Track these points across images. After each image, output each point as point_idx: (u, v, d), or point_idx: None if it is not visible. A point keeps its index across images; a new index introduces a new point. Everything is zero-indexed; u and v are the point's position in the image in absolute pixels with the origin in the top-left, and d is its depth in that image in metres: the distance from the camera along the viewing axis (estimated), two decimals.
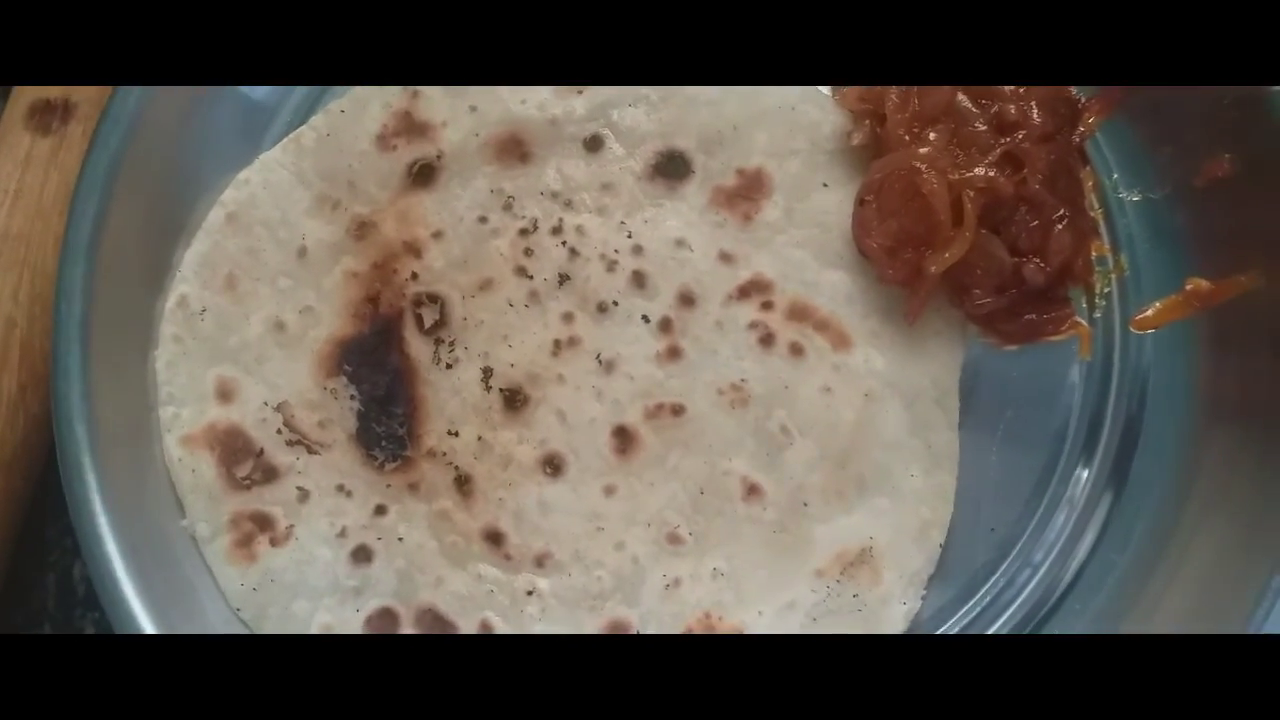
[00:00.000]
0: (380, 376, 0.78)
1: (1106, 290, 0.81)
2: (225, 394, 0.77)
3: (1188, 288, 0.79)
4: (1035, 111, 0.77)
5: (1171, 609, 0.73)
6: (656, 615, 0.75)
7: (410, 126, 0.81)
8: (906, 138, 0.77)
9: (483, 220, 0.80)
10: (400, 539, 0.76)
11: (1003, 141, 0.76)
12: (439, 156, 0.81)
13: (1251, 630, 0.69)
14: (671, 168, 0.81)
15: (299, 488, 0.76)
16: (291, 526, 0.76)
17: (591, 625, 0.75)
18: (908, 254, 0.76)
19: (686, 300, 0.79)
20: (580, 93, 0.81)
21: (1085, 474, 0.79)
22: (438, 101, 0.81)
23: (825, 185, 0.81)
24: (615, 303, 0.79)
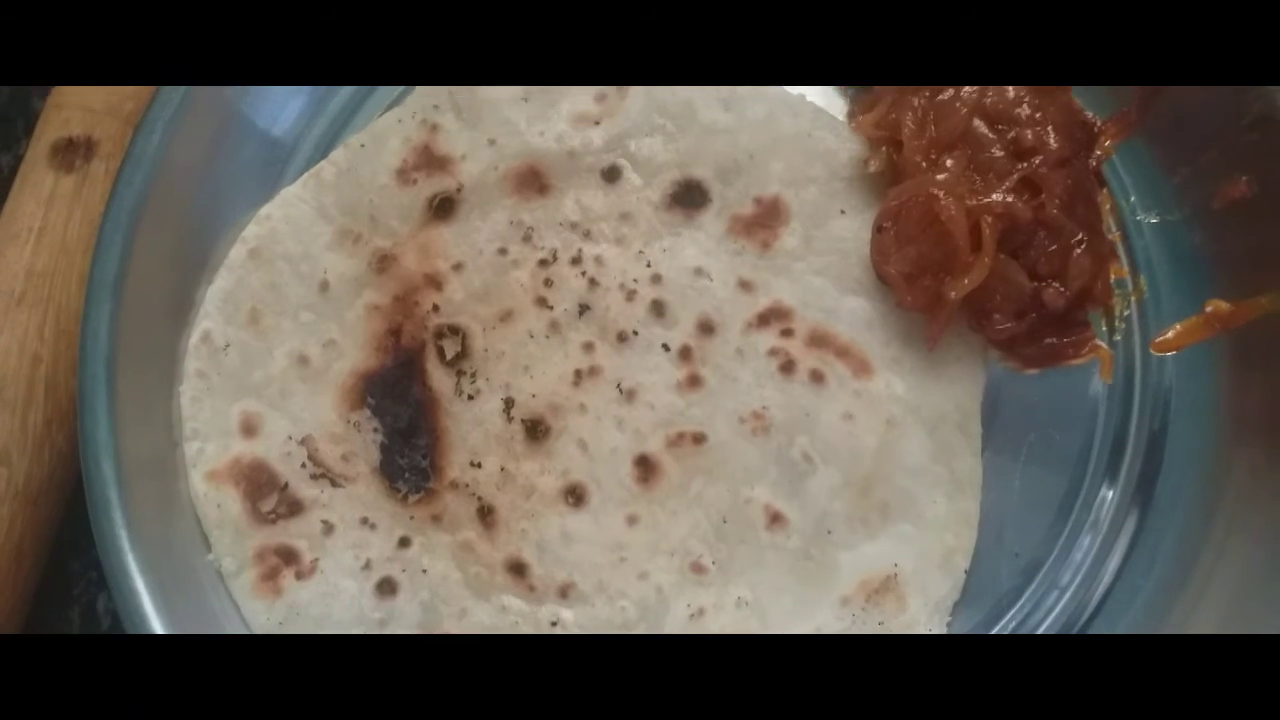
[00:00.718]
0: (403, 409, 0.79)
1: (1126, 313, 0.81)
2: (249, 429, 0.78)
3: (1208, 310, 0.79)
4: (1052, 136, 0.77)
5: (1199, 633, 0.72)
6: None
7: (430, 160, 0.82)
8: (923, 164, 0.78)
9: (502, 252, 0.81)
10: (424, 571, 0.76)
11: (1020, 167, 0.76)
12: (459, 189, 0.81)
13: None
14: (689, 197, 0.82)
15: (323, 521, 0.77)
16: (316, 560, 0.76)
17: None
18: (927, 280, 0.77)
19: (706, 328, 0.79)
20: (597, 123, 0.82)
21: (1109, 497, 0.79)
22: (456, 135, 0.82)
23: (843, 212, 0.81)
24: (635, 332, 0.79)
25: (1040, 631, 0.77)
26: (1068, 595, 0.77)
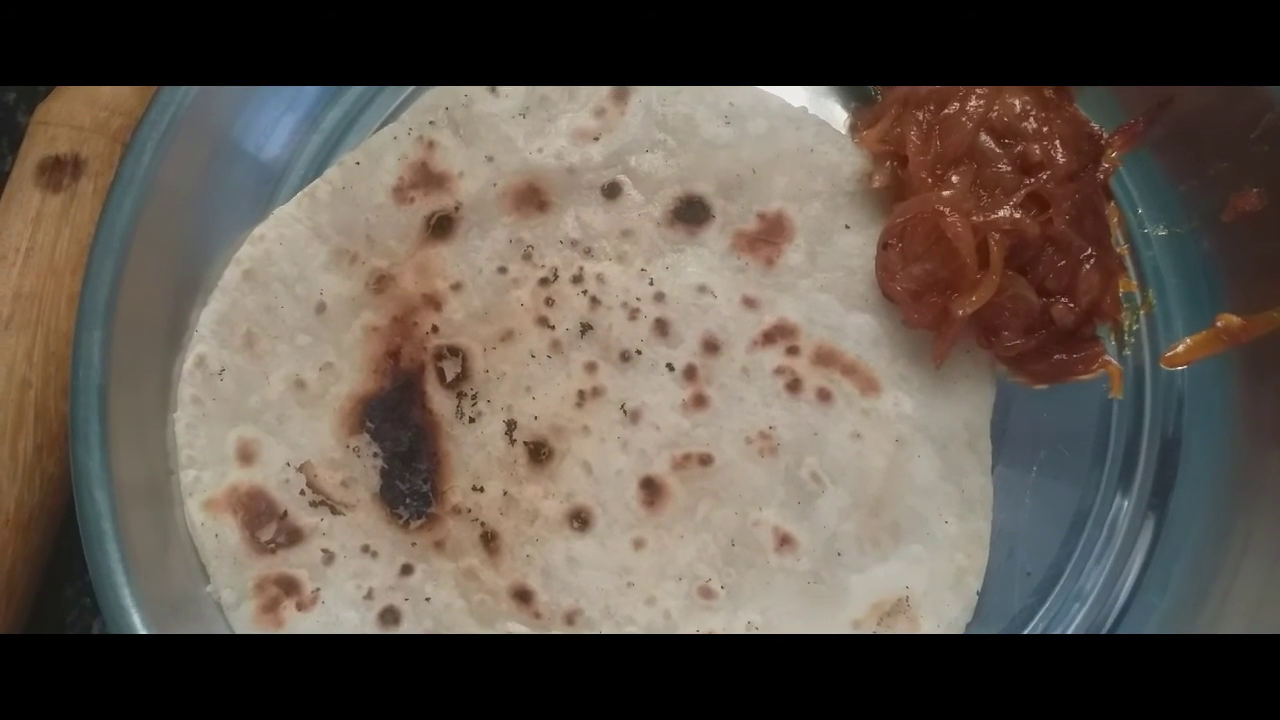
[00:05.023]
0: (403, 432, 0.77)
1: (1135, 327, 0.81)
2: (246, 455, 0.76)
3: (1218, 324, 0.78)
4: (1059, 150, 0.76)
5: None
6: None
7: (427, 178, 0.80)
8: (929, 180, 0.77)
9: (502, 271, 0.79)
10: (428, 599, 0.75)
11: (1027, 182, 0.75)
12: (457, 208, 0.80)
13: None
14: (691, 213, 0.80)
15: (324, 549, 0.75)
16: (318, 590, 0.75)
17: None
18: (933, 298, 0.76)
19: (711, 347, 0.78)
20: (596, 139, 0.81)
21: (1121, 514, 0.78)
22: (454, 152, 0.81)
23: (847, 227, 0.80)
24: (638, 351, 0.78)
25: None
26: (1081, 614, 0.77)
